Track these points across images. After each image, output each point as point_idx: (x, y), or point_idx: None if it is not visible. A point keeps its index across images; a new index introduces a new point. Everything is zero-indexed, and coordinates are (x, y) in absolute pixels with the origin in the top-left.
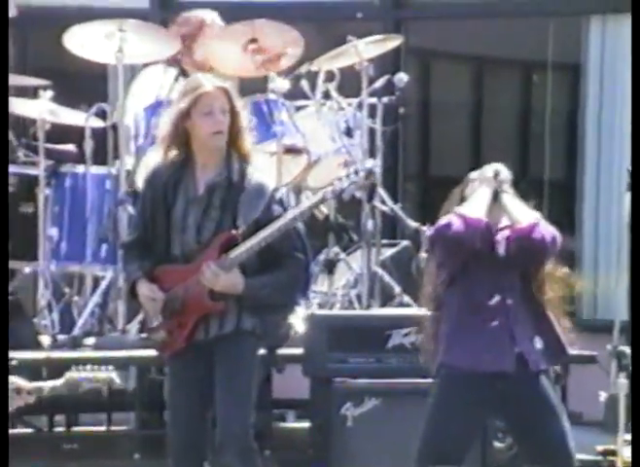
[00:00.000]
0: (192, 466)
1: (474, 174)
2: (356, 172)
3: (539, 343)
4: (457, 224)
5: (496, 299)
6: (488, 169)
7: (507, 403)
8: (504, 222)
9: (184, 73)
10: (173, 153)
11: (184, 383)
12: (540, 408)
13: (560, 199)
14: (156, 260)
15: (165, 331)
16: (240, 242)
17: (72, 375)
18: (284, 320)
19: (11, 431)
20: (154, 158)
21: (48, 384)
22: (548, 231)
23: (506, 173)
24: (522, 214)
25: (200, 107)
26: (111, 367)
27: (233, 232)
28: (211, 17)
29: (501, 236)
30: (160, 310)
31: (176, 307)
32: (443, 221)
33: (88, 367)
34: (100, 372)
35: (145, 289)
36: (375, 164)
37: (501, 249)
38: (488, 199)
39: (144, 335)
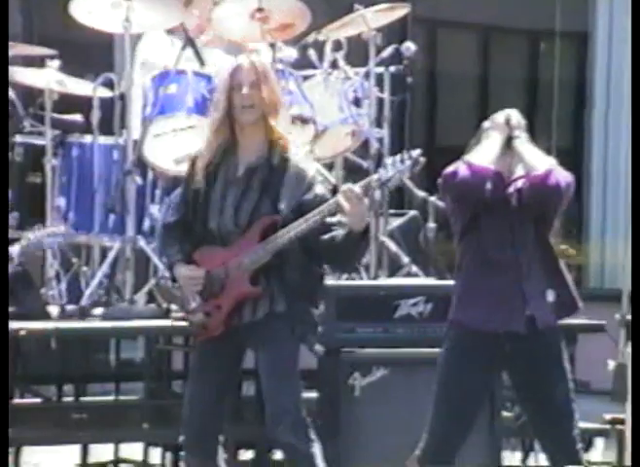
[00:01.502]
0: (205, 454)
1: (486, 122)
2: (402, 161)
3: (551, 296)
4: (463, 171)
5: (509, 253)
6: (500, 115)
7: (515, 361)
8: (519, 171)
9: (190, 41)
10: (220, 137)
11: (210, 366)
12: (546, 367)
13: (568, 169)
14: (195, 242)
15: (204, 313)
16: (281, 227)
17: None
18: (313, 306)
19: (19, 401)
20: (161, 127)
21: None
22: (563, 176)
23: (518, 118)
24: (537, 160)
25: (232, 83)
26: None
27: (275, 217)
28: None
29: (514, 187)
30: (199, 292)
31: (215, 290)
32: (449, 169)
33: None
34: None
35: (184, 269)
36: (383, 134)
37: (514, 200)
38: (499, 146)
39: (153, 305)
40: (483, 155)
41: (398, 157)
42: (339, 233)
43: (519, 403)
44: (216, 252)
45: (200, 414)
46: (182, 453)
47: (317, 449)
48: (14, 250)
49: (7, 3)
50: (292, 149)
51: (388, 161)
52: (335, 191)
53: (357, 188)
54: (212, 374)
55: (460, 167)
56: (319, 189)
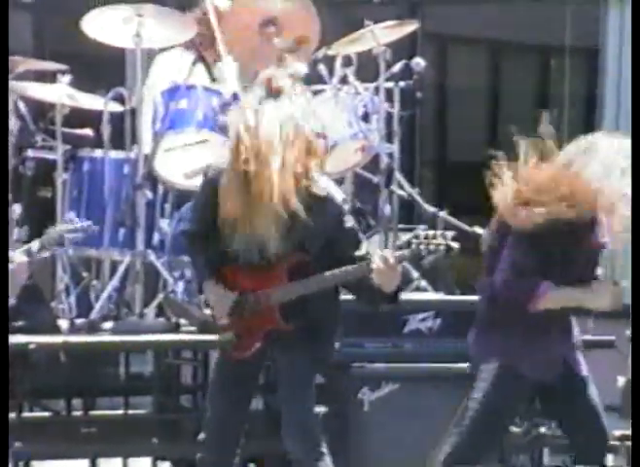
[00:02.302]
0: (223, 456)
1: None
2: (437, 242)
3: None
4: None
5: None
6: None
7: (552, 403)
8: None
9: (202, 58)
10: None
11: (231, 382)
12: (584, 409)
13: None
14: (218, 255)
15: (234, 333)
16: (312, 262)
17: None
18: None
19: (28, 414)
20: (171, 142)
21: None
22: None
23: None
24: None
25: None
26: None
27: (304, 257)
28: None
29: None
30: (229, 312)
31: (244, 313)
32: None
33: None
34: None
35: (216, 289)
36: (393, 149)
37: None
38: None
39: (162, 319)
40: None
41: (437, 233)
42: (360, 266)
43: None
44: (246, 275)
45: (222, 432)
46: None
47: (327, 464)
48: (33, 245)
49: (7, 3)
50: (318, 182)
51: (424, 234)
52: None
53: (392, 258)
54: (233, 389)
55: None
56: (349, 222)
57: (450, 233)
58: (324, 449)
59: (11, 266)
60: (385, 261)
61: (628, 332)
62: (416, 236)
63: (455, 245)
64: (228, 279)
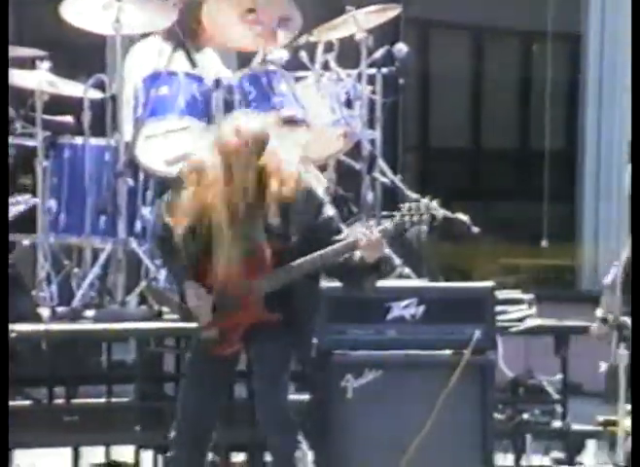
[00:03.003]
0: (194, 454)
1: None
2: (421, 213)
3: None
4: None
5: None
6: None
7: None
8: None
9: (182, 45)
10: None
11: (206, 368)
12: None
13: (561, 170)
14: (196, 251)
15: (217, 330)
16: (293, 252)
17: None
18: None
19: (10, 403)
20: (153, 129)
21: None
22: None
23: None
24: None
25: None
26: None
27: (286, 244)
28: None
29: None
30: (210, 310)
31: (228, 308)
32: None
33: None
34: None
35: (193, 293)
36: (375, 136)
37: None
38: None
39: (145, 307)
40: None
41: (420, 204)
42: (354, 256)
43: None
44: (227, 268)
45: (194, 413)
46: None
47: (303, 451)
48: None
49: (7, 3)
50: (301, 172)
51: (407, 206)
52: (326, 192)
53: (376, 233)
54: (208, 376)
55: None
56: (329, 210)
57: (434, 203)
58: (299, 435)
59: None
60: (369, 234)
61: (610, 317)
62: (399, 208)
63: (439, 213)
64: (209, 272)
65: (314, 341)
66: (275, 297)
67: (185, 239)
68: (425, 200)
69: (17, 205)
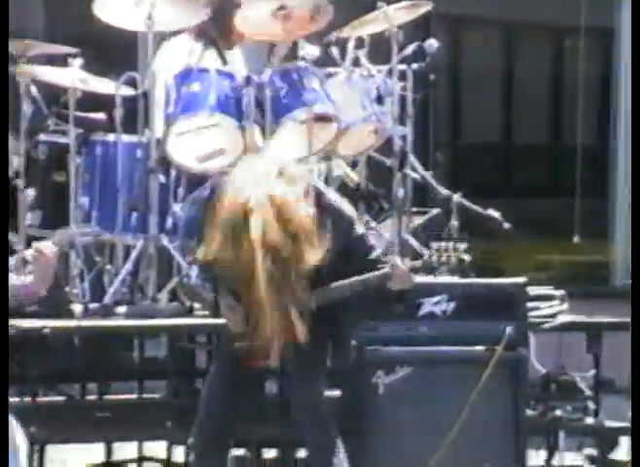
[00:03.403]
0: (213, 459)
1: None
2: (448, 255)
3: None
4: None
5: None
6: None
7: None
8: None
9: (213, 43)
10: None
11: (232, 372)
12: None
13: (593, 165)
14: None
15: (250, 342)
16: (328, 271)
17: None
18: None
19: (43, 399)
20: (184, 126)
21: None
22: None
23: None
24: None
25: None
26: None
27: (320, 267)
28: None
29: None
30: (243, 321)
31: (260, 323)
32: None
33: None
34: None
35: (225, 303)
36: (406, 132)
37: None
38: None
39: (176, 303)
40: None
41: (449, 246)
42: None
43: None
44: (258, 284)
45: (217, 413)
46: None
47: (338, 448)
48: (45, 245)
49: (7, 3)
50: (324, 193)
51: (436, 245)
52: (357, 189)
53: (406, 267)
54: (234, 378)
55: None
56: (359, 229)
57: (463, 246)
58: (334, 432)
59: (43, 254)
60: (401, 269)
61: None
62: (429, 247)
63: (467, 257)
64: (242, 290)
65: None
66: (312, 314)
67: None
68: (454, 244)
69: (85, 236)
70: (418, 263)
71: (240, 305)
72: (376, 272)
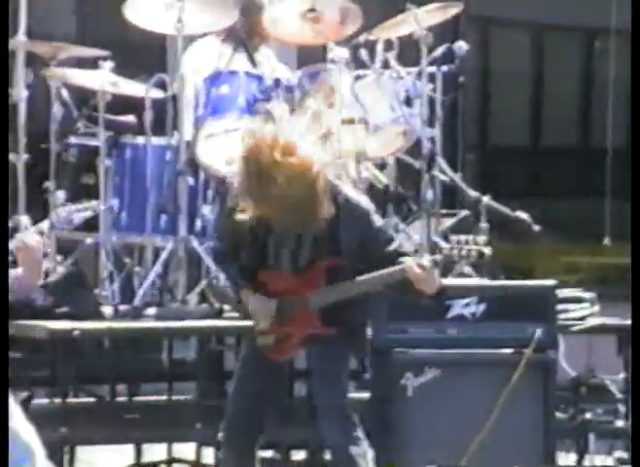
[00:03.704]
0: (244, 450)
1: None
2: (468, 249)
3: None
4: None
5: None
6: None
7: None
8: None
9: (243, 45)
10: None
11: (257, 366)
12: None
13: (623, 167)
14: (253, 262)
15: (274, 336)
16: (346, 266)
17: None
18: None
19: (74, 400)
20: (213, 128)
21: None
22: None
23: None
24: None
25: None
26: None
27: (339, 259)
28: None
29: None
30: (271, 316)
31: (282, 318)
32: None
33: None
34: None
35: (255, 299)
36: (435, 134)
37: None
38: None
39: (205, 305)
40: None
41: (469, 239)
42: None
43: None
44: (282, 280)
45: (244, 412)
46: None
47: (365, 449)
48: (43, 225)
49: (7, 3)
50: (338, 187)
51: (456, 239)
52: (386, 191)
53: (426, 262)
54: (260, 377)
55: None
56: (377, 220)
57: (482, 239)
58: (360, 433)
59: (26, 244)
60: (420, 267)
61: None
62: (449, 241)
63: (487, 251)
64: (264, 285)
65: (370, 339)
66: (330, 310)
67: (242, 243)
68: (474, 237)
69: (83, 212)
70: (439, 256)
71: (269, 300)
72: (397, 267)
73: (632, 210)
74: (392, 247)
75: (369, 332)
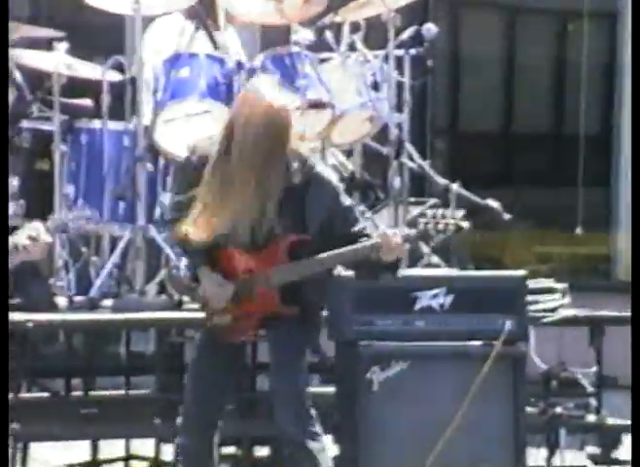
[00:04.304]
0: (203, 440)
1: None
2: (446, 222)
3: None
4: None
5: None
6: None
7: None
8: None
9: (204, 25)
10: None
11: (212, 355)
12: None
13: (596, 154)
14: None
15: (231, 316)
16: (311, 243)
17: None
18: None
19: (26, 395)
20: (173, 112)
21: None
22: None
23: None
24: None
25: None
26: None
27: (303, 236)
28: None
29: None
30: (228, 296)
31: (241, 296)
32: None
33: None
34: None
35: (212, 279)
36: (403, 119)
37: None
38: None
39: (165, 296)
40: None
41: (446, 212)
42: (367, 245)
43: None
44: (242, 257)
45: (201, 400)
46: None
47: (323, 445)
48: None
49: (7, 3)
50: (310, 160)
51: (432, 213)
52: (352, 179)
53: (398, 237)
54: (216, 363)
55: None
56: (346, 200)
57: (460, 212)
58: (318, 428)
59: (38, 242)
60: (392, 238)
61: None
62: (424, 215)
63: (465, 224)
64: (223, 263)
65: (336, 331)
66: (290, 289)
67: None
68: (451, 210)
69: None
70: (413, 231)
71: (226, 281)
72: (366, 243)
73: (632, 209)
74: (357, 228)
75: (326, 317)
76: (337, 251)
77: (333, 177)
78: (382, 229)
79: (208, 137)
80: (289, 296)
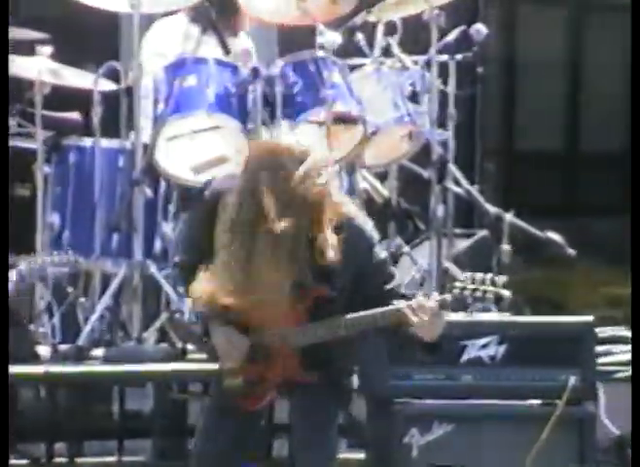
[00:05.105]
0: None
1: None
2: (484, 290)
3: None
4: None
5: None
6: None
7: None
8: None
9: (213, 26)
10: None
11: (226, 420)
12: None
13: None
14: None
15: (244, 379)
16: (339, 299)
17: None
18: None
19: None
20: (176, 128)
21: None
22: None
23: None
24: None
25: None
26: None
27: (329, 292)
28: None
29: None
30: (243, 354)
31: (257, 359)
32: None
33: None
34: None
35: (225, 331)
36: (448, 136)
37: None
38: None
39: (165, 344)
40: None
41: (486, 277)
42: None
43: None
44: (257, 311)
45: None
46: None
47: None
48: (11, 274)
49: (7, 3)
50: (345, 205)
51: (470, 277)
52: (387, 206)
53: (432, 302)
54: (227, 429)
55: None
56: (381, 253)
57: (502, 279)
58: None
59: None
60: (421, 309)
61: None
62: (461, 280)
63: (507, 294)
64: (236, 315)
65: (363, 389)
66: (312, 352)
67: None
68: (492, 276)
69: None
70: (448, 297)
71: (241, 334)
72: (386, 309)
73: (632, 209)
74: (391, 285)
75: (355, 381)
76: (356, 315)
77: (368, 224)
78: (412, 294)
79: (217, 159)
80: (310, 360)
